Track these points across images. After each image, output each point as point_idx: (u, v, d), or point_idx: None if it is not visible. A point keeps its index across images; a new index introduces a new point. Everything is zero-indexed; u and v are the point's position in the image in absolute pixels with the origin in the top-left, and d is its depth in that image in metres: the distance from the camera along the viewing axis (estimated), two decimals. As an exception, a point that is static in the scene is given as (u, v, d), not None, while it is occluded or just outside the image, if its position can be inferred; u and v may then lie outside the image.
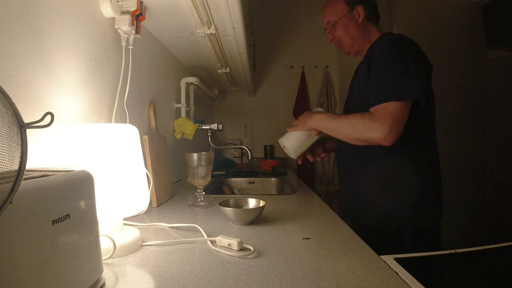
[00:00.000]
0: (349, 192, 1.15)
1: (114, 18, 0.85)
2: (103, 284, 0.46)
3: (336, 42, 1.15)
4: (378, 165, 1.04)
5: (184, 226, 0.78)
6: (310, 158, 1.17)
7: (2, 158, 0.28)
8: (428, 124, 1.03)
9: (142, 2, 0.91)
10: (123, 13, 0.85)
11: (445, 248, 0.71)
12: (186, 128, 1.41)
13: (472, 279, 0.61)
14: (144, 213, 0.92)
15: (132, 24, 0.86)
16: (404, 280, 0.48)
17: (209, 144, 1.78)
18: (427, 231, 1.01)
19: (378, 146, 0.93)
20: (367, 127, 0.93)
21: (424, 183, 1.02)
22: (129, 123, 0.90)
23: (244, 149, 1.87)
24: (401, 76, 0.92)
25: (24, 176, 0.30)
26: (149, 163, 0.99)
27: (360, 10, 1.08)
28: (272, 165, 2.03)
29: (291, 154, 1.10)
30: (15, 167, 0.29)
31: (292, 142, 1.09)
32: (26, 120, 0.30)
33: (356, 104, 1.07)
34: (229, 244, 0.61)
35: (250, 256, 0.58)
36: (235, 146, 2.31)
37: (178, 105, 1.46)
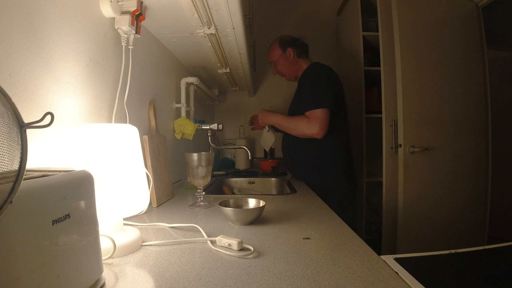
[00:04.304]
0: (292, 169, 1.70)
1: (114, 18, 0.85)
2: (103, 284, 0.46)
3: (280, 74, 1.70)
4: (308, 153, 1.53)
5: (184, 226, 0.79)
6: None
7: (2, 158, 0.28)
8: (340, 124, 1.50)
9: (142, 2, 0.91)
10: (123, 13, 0.85)
11: (445, 248, 0.71)
12: (186, 128, 1.41)
13: (472, 279, 0.61)
14: (144, 213, 0.92)
15: (132, 24, 0.86)
16: (404, 280, 0.48)
17: (209, 144, 1.78)
18: (345, 198, 1.54)
19: (307, 140, 1.46)
20: (305, 125, 1.41)
21: (338, 167, 1.52)
22: (129, 123, 0.90)
23: (244, 149, 1.87)
24: (319, 92, 1.42)
25: (24, 176, 0.30)
26: (149, 163, 0.99)
27: (290, 51, 1.61)
28: (272, 165, 2.02)
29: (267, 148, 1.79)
30: (15, 167, 0.29)
31: (268, 141, 1.75)
32: (26, 120, 0.31)
33: (295, 109, 1.56)
34: (229, 244, 0.61)
35: (250, 256, 0.58)
36: (235, 146, 2.30)
37: (178, 105, 1.46)
